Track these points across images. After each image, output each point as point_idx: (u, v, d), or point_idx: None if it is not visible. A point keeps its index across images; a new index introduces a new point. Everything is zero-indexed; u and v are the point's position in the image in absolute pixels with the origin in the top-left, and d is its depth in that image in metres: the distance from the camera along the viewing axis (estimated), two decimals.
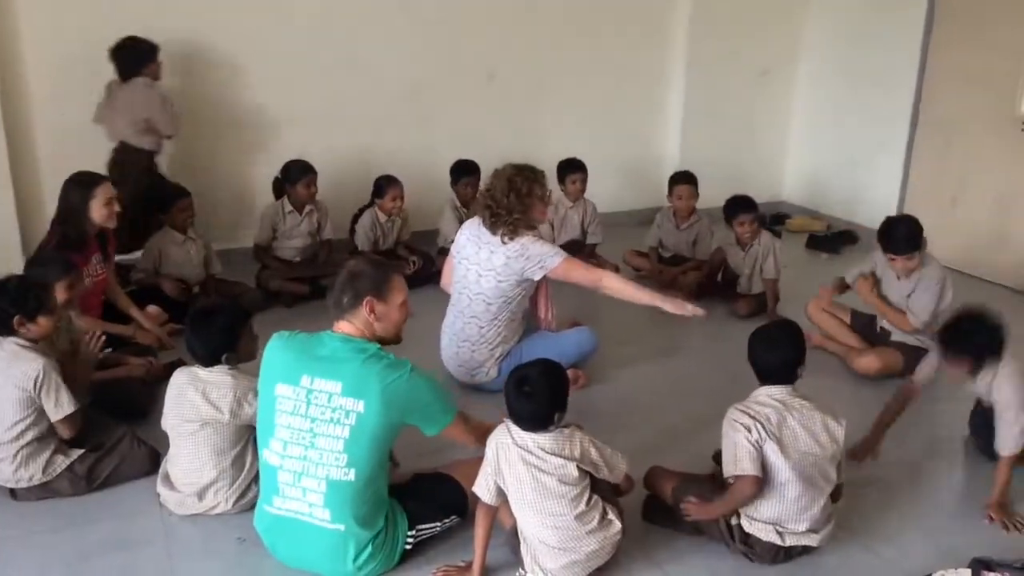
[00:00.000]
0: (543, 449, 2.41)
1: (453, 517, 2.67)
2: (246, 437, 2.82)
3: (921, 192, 5.70)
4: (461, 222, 5.11)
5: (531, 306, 3.80)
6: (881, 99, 5.92)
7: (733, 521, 2.64)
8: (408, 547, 2.59)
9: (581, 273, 3.59)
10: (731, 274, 4.90)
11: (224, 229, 5.15)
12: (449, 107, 5.71)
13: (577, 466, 2.42)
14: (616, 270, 5.34)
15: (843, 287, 4.22)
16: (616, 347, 4.13)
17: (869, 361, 3.92)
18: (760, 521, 2.61)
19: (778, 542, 2.60)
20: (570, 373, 3.01)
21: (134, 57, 4.57)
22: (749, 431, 2.53)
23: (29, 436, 2.87)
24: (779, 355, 2.65)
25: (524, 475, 2.41)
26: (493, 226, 3.57)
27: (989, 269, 5.33)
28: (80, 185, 3.70)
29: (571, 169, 5.32)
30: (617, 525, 2.52)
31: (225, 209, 5.22)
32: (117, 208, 3.77)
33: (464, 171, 5.24)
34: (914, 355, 3.68)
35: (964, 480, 3.23)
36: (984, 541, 2.76)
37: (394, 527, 2.55)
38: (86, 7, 4.68)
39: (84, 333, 3.29)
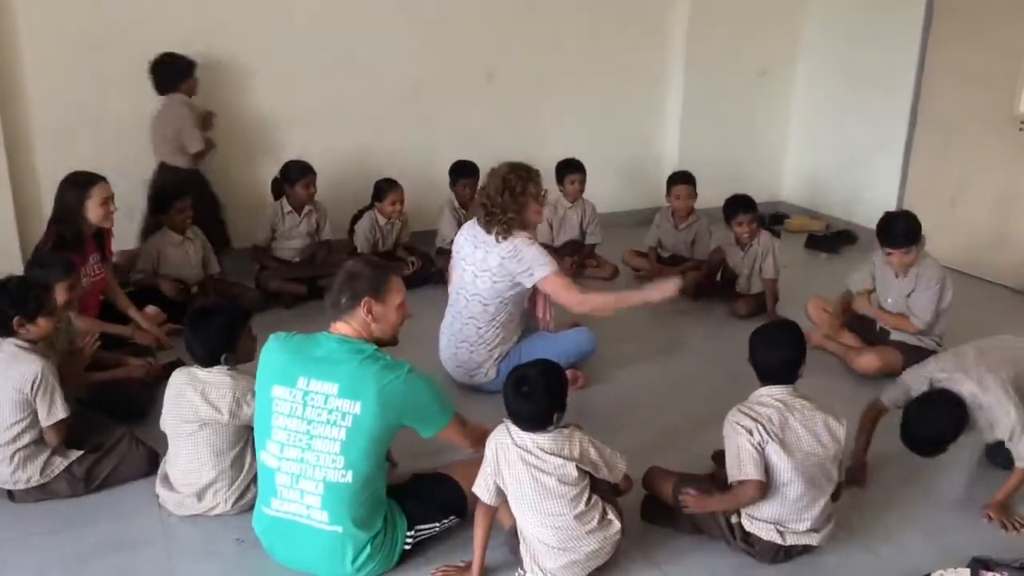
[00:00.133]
0: (542, 449, 2.41)
1: (452, 517, 2.67)
2: (245, 437, 2.81)
3: (920, 192, 5.70)
4: (459, 223, 5.12)
5: (529, 306, 3.80)
6: (880, 99, 5.92)
7: (734, 520, 2.64)
8: (407, 547, 2.59)
9: (565, 296, 3.55)
10: (730, 274, 4.90)
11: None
12: (449, 107, 5.71)
13: (576, 466, 2.42)
14: (616, 271, 5.37)
15: (849, 302, 4.18)
16: (615, 347, 4.13)
17: (869, 360, 3.92)
18: (761, 520, 2.61)
19: (779, 541, 2.60)
20: (569, 373, 3.02)
21: (170, 73, 4.67)
22: (751, 434, 2.53)
23: (27, 438, 2.86)
24: (780, 355, 2.64)
25: (523, 475, 2.40)
26: (487, 224, 3.57)
27: (989, 269, 5.32)
28: (76, 185, 3.70)
29: (569, 169, 5.32)
30: (617, 525, 2.52)
31: (224, 209, 5.22)
32: (114, 208, 3.76)
33: (463, 172, 5.24)
34: (914, 354, 3.69)
35: (964, 480, 3.23)
36: (983, 541, 2.76)
37: (393, 528, 2.55)
38: (85, 9, 4.68)
39: (83, 334, 3.29)
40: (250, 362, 2.81)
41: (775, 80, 6.56)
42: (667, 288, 3.51)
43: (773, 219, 6.41)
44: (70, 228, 3.67)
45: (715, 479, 2.76)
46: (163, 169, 4.75)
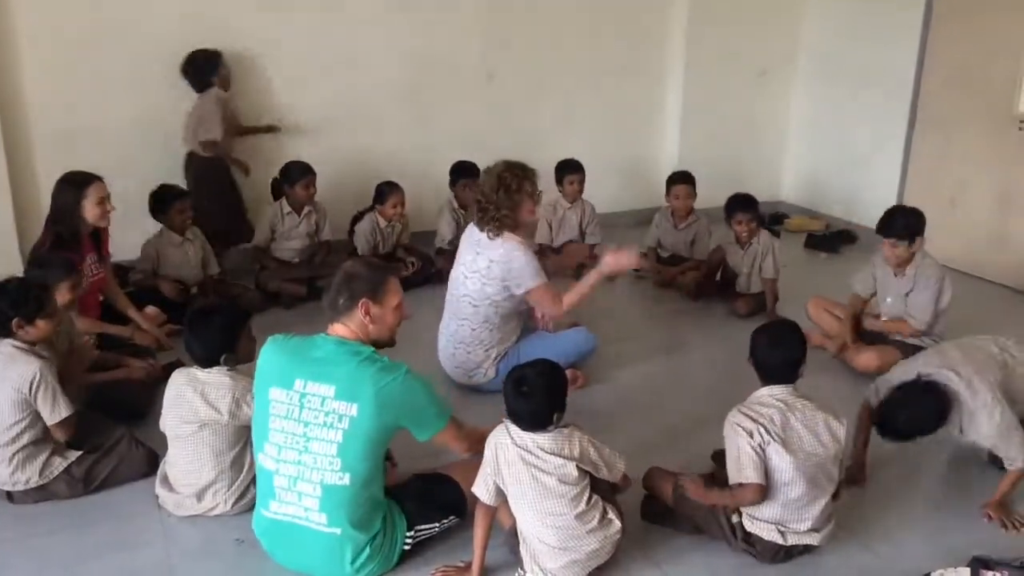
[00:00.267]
0: (542, 449, 2.41)
1: (452, 518, 2.67)
2: (245, 438, 2.80)
3: (920, 191, 5.68)
4: (459, 223, 5.14)
5: (528, 307, 3.79)
6: (879, 99, 5.91)
7: (735, 520, 2.64)
8: (407, 548, 2.59)
9: (550, 308, 3.66)
10: (730, 273, 4.90)
11: None
12: (449, 107, 5.71)
13: (576, 466, 2.42)
14: None
15: (860, 304, 4.16)
16: (615, 347, 4.13)
17: (869, 358, 3.91)
18: (762, 521, 2.61)
19: (780, 541, 2.60)
20: (569, 373, 3.02)
21: (199, 70, 4.80)
22: (751, 436, 2.52)
23: (26, 439, 2.86)
24: (781, 355, 2.64)
25: (524, 475, 2.40)
26: (480, 221, 3.58)
27: (989, 269, 5.32)
28: (72, 185, 3.69)
29: (569, 170, 5.32)
30: (617, 524, 2.52)
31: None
32: (111, 207, 3.76)
33: (463, 172, 5.23)
34: (913, 353, 3.68)
35: (964, 480, 3.22)
36: (983, 540, 2.76)
37: (392, 528, 2.55)
38: (84, 11, 4.68)
39: (83, 335, 3.29)
40: (250, 363, 2.81)
41: (775, 80, 6.56)
42: (620, 258, 3.51)
43: (773, 219, 6.40)
44: (67, 228, 3.67)
45: (715, 479, 2.76)
46: (191, 158, 4.87)
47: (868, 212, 5.68)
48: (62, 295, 3.18)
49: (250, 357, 2.86)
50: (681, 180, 5.23)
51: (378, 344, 2.53)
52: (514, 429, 2.44)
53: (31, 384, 2.81)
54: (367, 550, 2.48)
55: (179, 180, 4.80)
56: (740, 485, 2.55)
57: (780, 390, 2.62)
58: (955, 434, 2.94)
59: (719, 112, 6.35)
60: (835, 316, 4.25)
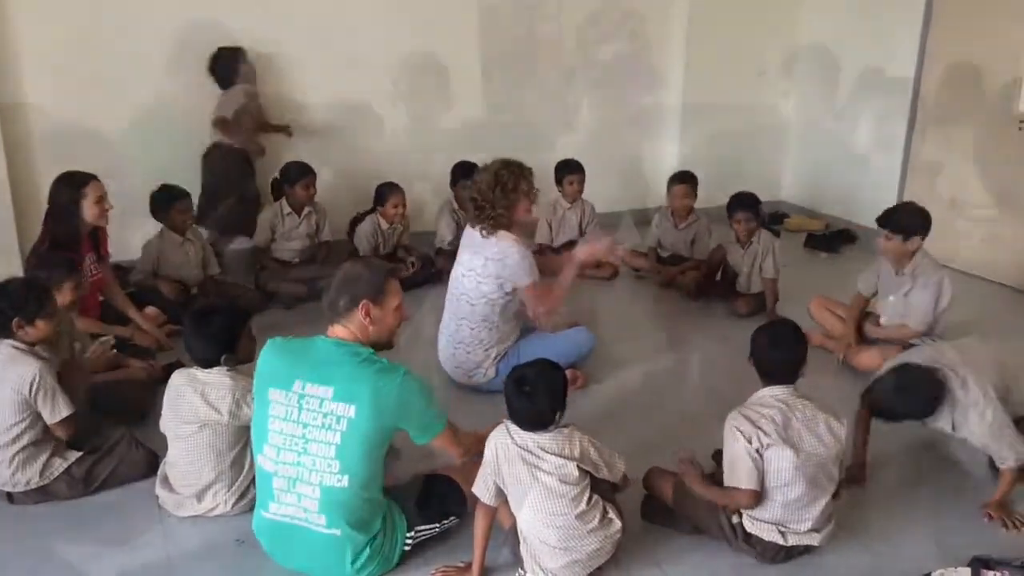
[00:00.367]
0: (543, 449, 2.41)
1: (452, 518, 2.67)
2: (245, 438, 2.80)
3: (920, 191, 5.68)
4: (458, 224, 5.14)
5: (523, 306, 3.78)
6: (879, 99, 5.91)
7: (735, 520, 2.64)
8: (407, 548, 2.59)
9: (538, 307, 3.65)
10: (731, 273, 4.90)
11: None
12: (449, 107, 5.70)
13: (577, 466, 2.42)
14: (616, 271, 5.36)
15: (862, 303, 4.16)
16: (615, 347, 4.13)
17: (870, 357, 3.91)
18: (763, 521, 2.61)
19: (780, 542, 2.60)
20: (569, 373, 3.02)
21: (221, 67, 4.83)
22: (749, 441, 2.52)
23: (26, 439, 2.86)
24: (782, 355, 2.64)
25: (524, 475, 2.40)
26: (475, 219, 3.57)
27: (989, 269, 5.32)
28: (69, 184, 3.69)
29: (568, 170, 5.32)
30: (617, 524, 2.52)
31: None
32: (109, 206, 3.76)
33: (463, 173, 5.23)
34: None
35: (964, 480, 3.22)
36: (984, 540, 2.76)
37: (392, 529, 2.55)
38: (84, 11, 4.68)
39: (86, 335, 3.29)
40: (250, 363, 2.81)
41: (775, 80, 6.55)
42: (594, 246, 3.51)
43: (773, 218, 6.39)
44: (65, 228, 3.67)
45: (715, 479, 2.76)
46: (213, 147, 4.90)
47: (868, 212, 5.65)
48: (64, 295, 3.18)
49: (250, 357, 2.85)
50: (681, 180, 5.22)
51: (377, 346, 2.53)
52: (514, 429, 2.44)
53: (31, 385, 2.80)
54: (367, 551, 2.47)
55: (180, 180, 4.77)
56: (734, 488, 2.56)
57: (781, 390, 2.62)
58: (948, 430, 2.94)
59: (719, 112, 6.34)
60: (838, 316, 4.25)
